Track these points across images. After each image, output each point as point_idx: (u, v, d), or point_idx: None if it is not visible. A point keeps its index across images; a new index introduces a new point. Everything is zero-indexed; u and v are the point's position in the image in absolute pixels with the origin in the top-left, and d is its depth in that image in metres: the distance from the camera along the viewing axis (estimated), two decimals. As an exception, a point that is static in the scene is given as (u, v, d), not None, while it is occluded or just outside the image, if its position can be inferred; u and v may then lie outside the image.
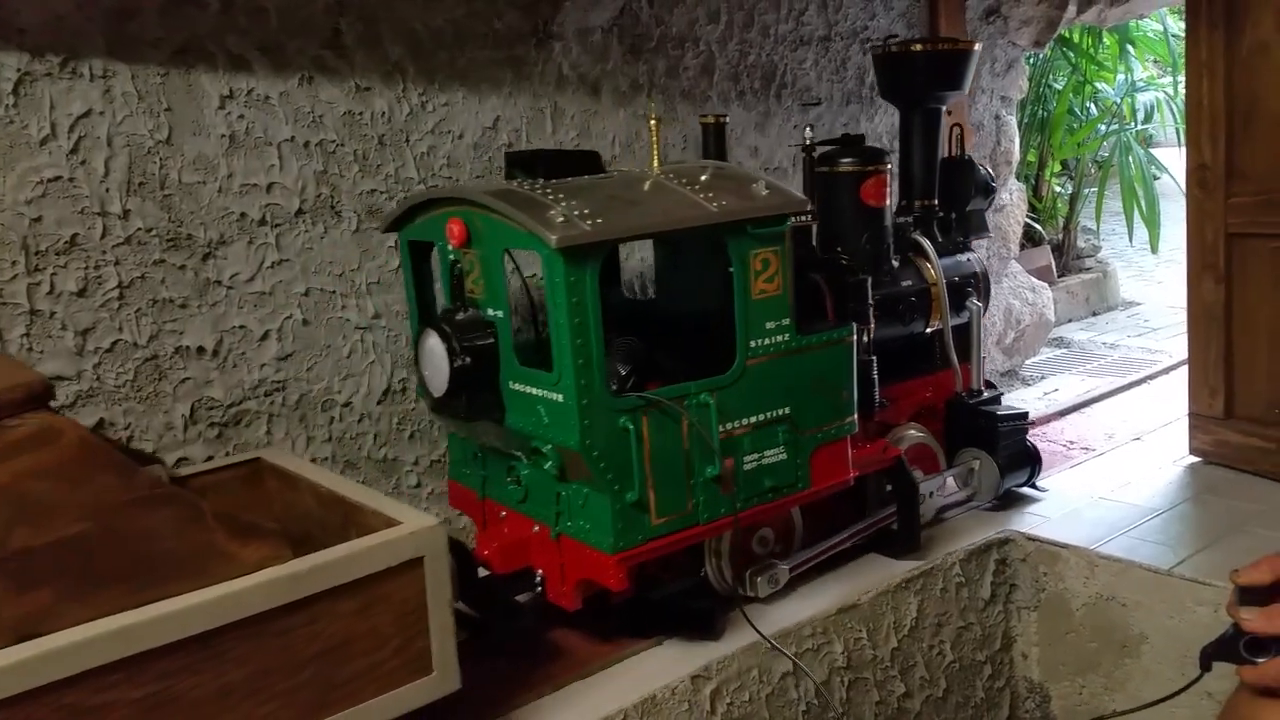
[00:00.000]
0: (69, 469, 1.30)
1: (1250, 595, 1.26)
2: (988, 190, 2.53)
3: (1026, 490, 2.56)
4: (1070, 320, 4.92)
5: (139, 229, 2.00)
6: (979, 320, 2.46)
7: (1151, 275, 6.09)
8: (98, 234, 1.94)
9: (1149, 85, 5.27)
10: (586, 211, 1.67)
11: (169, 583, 1.31)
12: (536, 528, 1.88)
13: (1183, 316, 2.94)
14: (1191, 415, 2.70)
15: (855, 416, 2.01)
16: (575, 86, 2.54)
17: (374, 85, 2.24)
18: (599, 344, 1.67)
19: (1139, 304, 5.26)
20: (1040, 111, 5.08)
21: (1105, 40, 5.03)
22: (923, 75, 2.40)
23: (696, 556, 1.95)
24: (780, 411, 1.88)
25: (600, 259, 1.68)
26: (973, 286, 2.47)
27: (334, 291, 2.22)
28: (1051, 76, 5.13)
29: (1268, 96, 2.39)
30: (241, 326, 2.11)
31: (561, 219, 1.63)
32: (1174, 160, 5.35)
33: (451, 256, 1.89)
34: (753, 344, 1.84)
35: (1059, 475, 2.68)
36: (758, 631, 1.87)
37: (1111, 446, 2.87)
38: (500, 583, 1.90)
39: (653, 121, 1.99)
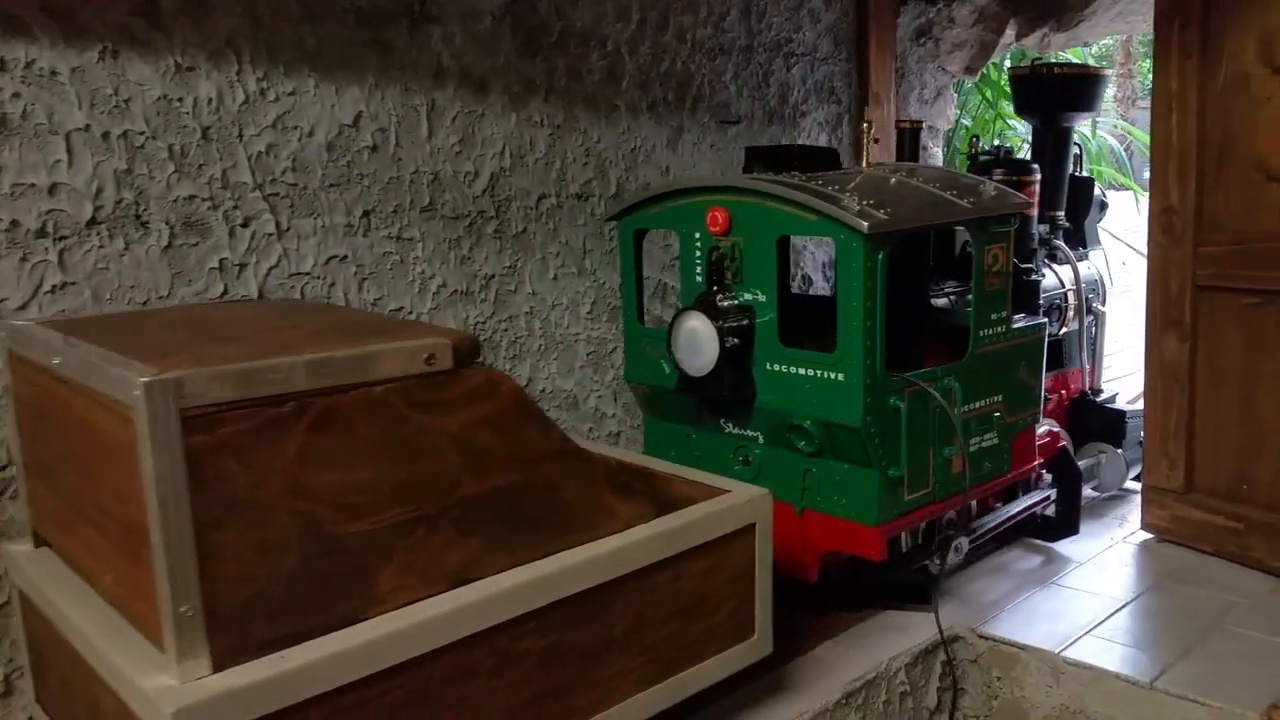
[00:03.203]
0: (506, 420, 1.34)
1: None
2: (1102, 206, 2.81)
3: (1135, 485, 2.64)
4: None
5: None
6: (1104, 323, 2.70)
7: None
8: None
9: (1061, 125, 5.13)
10: (871, 203, 1.76)
11: (567, 535, 1.40)
12: None
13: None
14: (1146, 488, 2.41)
15: (1040, 407, 2.19)
16: (458, 82, 2.11)
17: (199, 65, 1.77)
18: (883, 327, 1.78)
19: (1049, 352, 5.07)
20: (948, 148, 4.87)
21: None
22: (1058, 96, 2.56)
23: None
24: (996, 399, 2.04)
25: (890, 246, 1.78)
26: (1095, 293, 2.66)
27: (135, 324, 1.73)
28: (963, 111, 4.92)
29: (1245, 134, 2.13)
30: None
31: (857, 208, 1.73)
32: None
33: (709, 244, 1.95)
34: (982, 333, 1.99)
35: (1001, 554, 2.35)
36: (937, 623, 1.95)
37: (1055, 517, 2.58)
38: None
39: (865, 124, 2.13)
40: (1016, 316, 2.11)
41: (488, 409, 1.31)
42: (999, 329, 2.02)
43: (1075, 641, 1.95)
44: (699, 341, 1.89)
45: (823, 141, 2.91)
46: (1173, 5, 2.20)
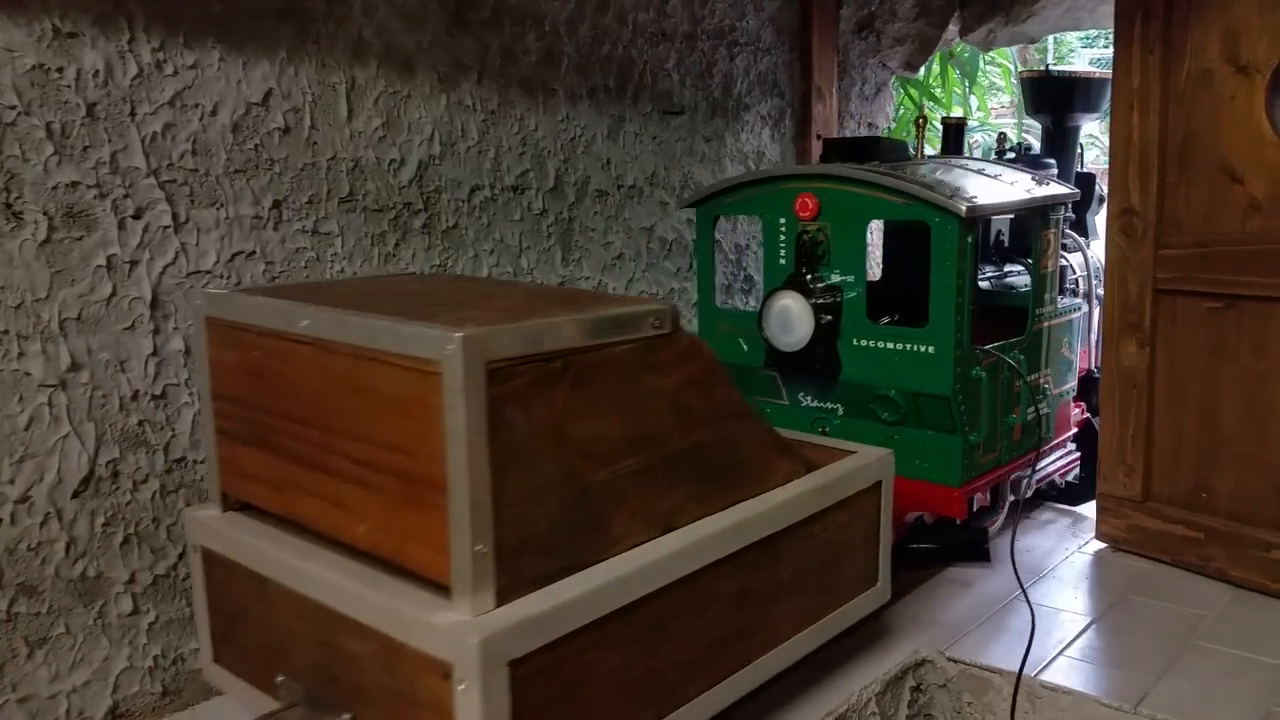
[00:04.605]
0: (704, 381, 1.45)
1: None
2: (1101, 200, 2.95)
3: None
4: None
5: None
6: (1104, 307, 2.81)
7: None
8: None
9: (983, 125, 5.12)
10: (958, 189, 1.95)
11: (743, 488, 1.53)
12: None
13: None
14: (1101, 496, 2.34)
15: (1076, 381, 2.42)
16: (381, 59, 1.90)
17: (82, 31, 1.53)
18: (970, 304, 1.95)
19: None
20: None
21: (950, 77, 4.82)
22: (1068, 98, 2.75)
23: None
24: (1046, 371, 2.23)
25: (978, 228, 2.00)
26: (1098, 278, 2.77)
27: (5, 331, 1.48)
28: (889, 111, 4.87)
29: (1208, 133, 2.06)
30: None
31: (951, 195, 1.91)
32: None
33: (795, 229, 2.10)
34: (1038, 311, 2.20)
35: (954, 568, 2.25)
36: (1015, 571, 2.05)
37: (1005, 528, 2.49)
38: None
39: (920, 119, 2.31)
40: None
41: (691, 370, 1.44)
42: (1050, 308, 2.24)
43: (1049, 663, 1.85)
44: (791, 319, 2.04)
45: (765, 136, 2.77)
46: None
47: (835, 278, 2.06)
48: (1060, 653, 1.89)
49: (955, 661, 1.89)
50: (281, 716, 1.38)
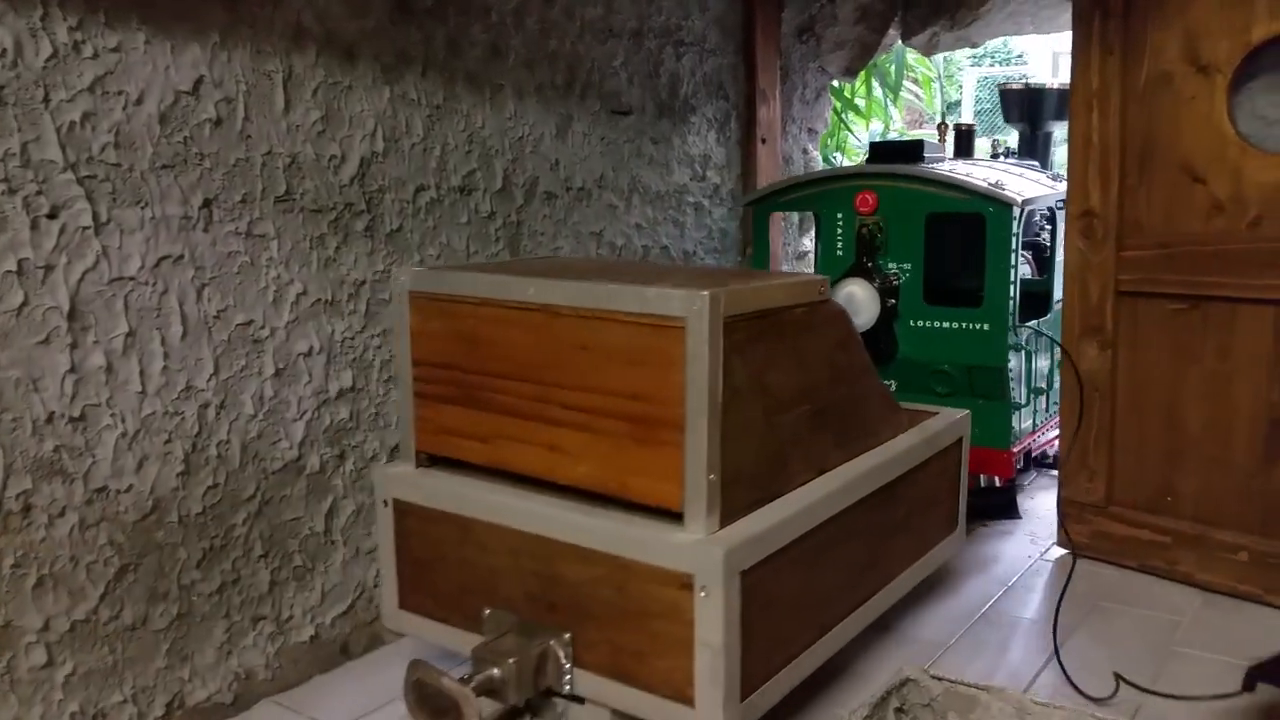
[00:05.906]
0: (846, 343, 1.68)
1: None
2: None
3: None
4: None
5: None
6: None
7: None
8: None
9: (901, 136, 5.17)
10: (1004, 184, 2.23)
11: (868, 437, 1.75)
12: None
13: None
14: (1064, 501, 2.31)
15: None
16: (321, 47, 1.74)
17: (-15, 4, 1.35)
18: (1018, 285, 2.22)
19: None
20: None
21: (873, 86, 4.85)
22: (1042, 107, 3.04)
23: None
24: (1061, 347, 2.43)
25: (1024, 216, 2.22)
26: None
27: (-105, 345, 1.28)
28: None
29: (1169, 134, 2.05)
30: None
31: (1006, 190, 2.18)
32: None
33: (854, 223, 2.32)
34: (1056, 293, 2.45)
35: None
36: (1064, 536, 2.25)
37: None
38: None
39: (941, 125, 2.68)
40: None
41: (839, 334, 1.65)
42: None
43: (1036, 677, 1.79)
44: (857, 303, 2.24)
45: (711, 140, 2.69)
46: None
47: (892, 266, 2.30)
48: (1046, 666, 1.83)
49: (939, 679, 1.81)
50: (497, 644, 1.48)
